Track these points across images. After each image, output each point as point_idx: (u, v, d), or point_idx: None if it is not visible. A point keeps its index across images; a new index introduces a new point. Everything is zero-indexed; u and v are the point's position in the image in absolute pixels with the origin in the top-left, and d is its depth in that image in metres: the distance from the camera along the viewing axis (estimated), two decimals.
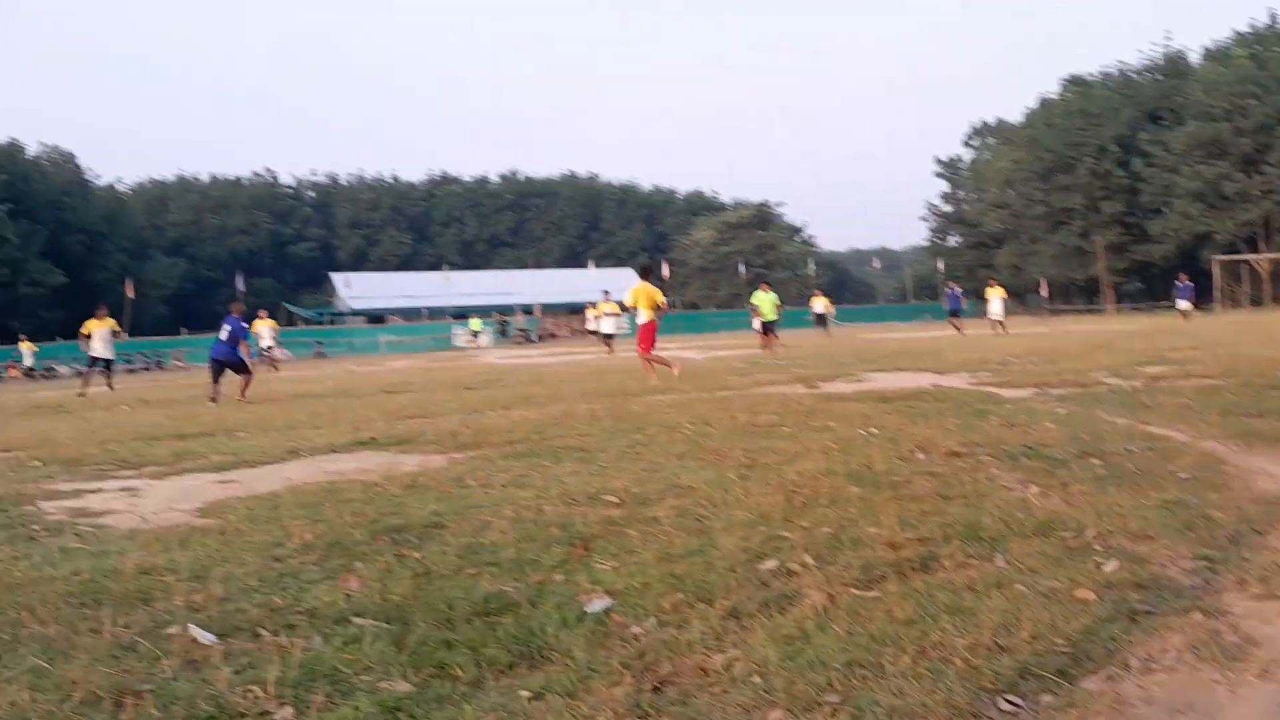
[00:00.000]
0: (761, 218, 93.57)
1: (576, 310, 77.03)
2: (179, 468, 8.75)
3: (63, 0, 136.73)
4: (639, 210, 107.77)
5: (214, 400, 17.58)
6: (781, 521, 5.15)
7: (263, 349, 32.29)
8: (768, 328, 27.93)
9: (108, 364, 26.39)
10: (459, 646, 3.59)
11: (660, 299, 17.12)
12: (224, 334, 18.31)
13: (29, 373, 48.17)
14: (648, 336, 16.96)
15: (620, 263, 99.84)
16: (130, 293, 63.00)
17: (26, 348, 49.37)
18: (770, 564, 4.41)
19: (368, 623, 3.90)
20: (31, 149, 79.23)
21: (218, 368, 18.17)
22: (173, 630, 3.93)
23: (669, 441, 8.35)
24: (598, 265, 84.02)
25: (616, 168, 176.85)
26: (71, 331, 60.46)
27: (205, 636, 3.86)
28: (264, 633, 3.86)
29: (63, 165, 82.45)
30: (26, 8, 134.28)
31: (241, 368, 18.36)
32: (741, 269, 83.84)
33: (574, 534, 5.13)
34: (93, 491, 7.66)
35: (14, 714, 3.24)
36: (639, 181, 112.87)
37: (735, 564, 4.42)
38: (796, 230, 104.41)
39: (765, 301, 28.30)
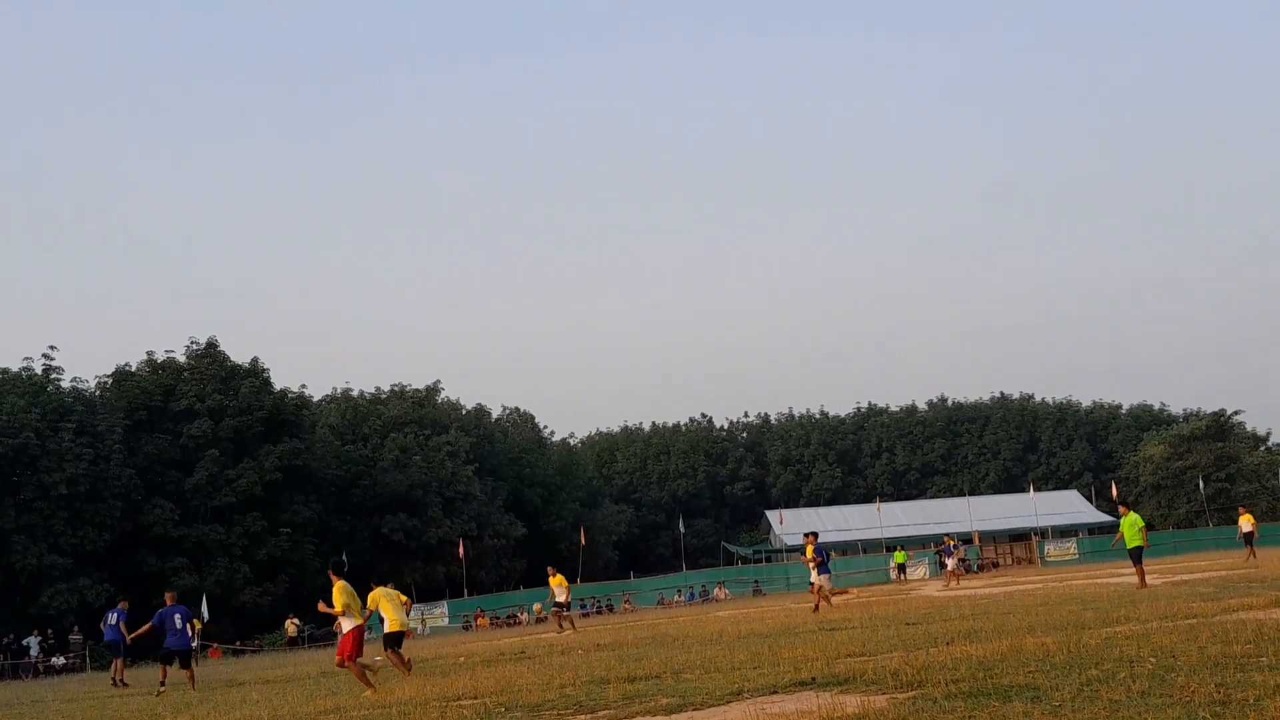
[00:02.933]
0: (1219, 428, 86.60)
1: (1018, 537, 73.90)
2: (629, 711, 9.08)
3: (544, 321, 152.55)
4: (1079, 429, 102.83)
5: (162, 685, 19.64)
6: None
7: (556, 603, 31.65)
8: (1134, 555, 24.22)
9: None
10: None
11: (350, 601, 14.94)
12: (178, 623, 19.77)
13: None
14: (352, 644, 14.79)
15: (1062, 484, 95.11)
16: (583, 540, 67.42)
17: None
18: None
19: None
20: (495, 412, 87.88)
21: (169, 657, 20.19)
22: None
23: (1129, 677, 7.76)
24: (1036, 489, 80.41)
25: (1052, 387, 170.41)
26: (531, 580, 65.07)
27: None
28: None
29: (522, 425, 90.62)
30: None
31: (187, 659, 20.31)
32: (1200, 485, 77.85)
33: None
34: None
35: None
36: (1077, 398, 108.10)
37: None
38: (1261, 439, 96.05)
39: (1125, 524, 24.79)
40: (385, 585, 16.63)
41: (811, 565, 27.46)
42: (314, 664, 21.78)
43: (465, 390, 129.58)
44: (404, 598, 18.16)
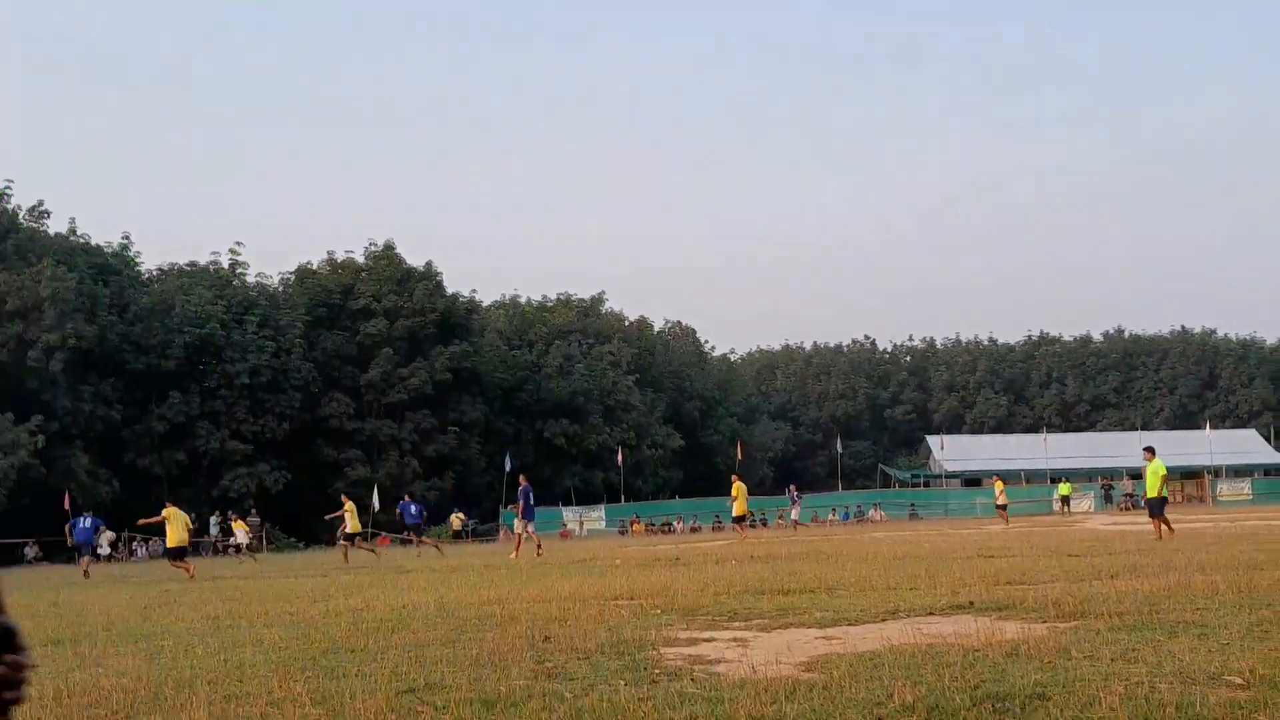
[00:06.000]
0: None
1: (1191, 475, 71.17)
2: (783, 622, 9.20)
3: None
4: (1262, 367, 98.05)
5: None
6: None
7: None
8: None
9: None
10: None
11: None
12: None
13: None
14: None
15: (1240, 423, 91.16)
16: (739, 455, 67.75)
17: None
18: None
19: None
20: (657, 325, 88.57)
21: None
22: None
23: None
24: (1214, 427, 77.14)
25: (1235, 323, 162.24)
26: (687, 491, 65.84)
27: None
28: None
29: (683, 339, 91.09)
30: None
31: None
32: None
33: (1192, 715, 4.79)
34: (706, 640, 8.26)
35: None
36: (1262, 336, 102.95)
37: None
38: None
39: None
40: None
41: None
42: (477, 556, 22.65)
43: (629, 303, 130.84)
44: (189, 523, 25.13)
